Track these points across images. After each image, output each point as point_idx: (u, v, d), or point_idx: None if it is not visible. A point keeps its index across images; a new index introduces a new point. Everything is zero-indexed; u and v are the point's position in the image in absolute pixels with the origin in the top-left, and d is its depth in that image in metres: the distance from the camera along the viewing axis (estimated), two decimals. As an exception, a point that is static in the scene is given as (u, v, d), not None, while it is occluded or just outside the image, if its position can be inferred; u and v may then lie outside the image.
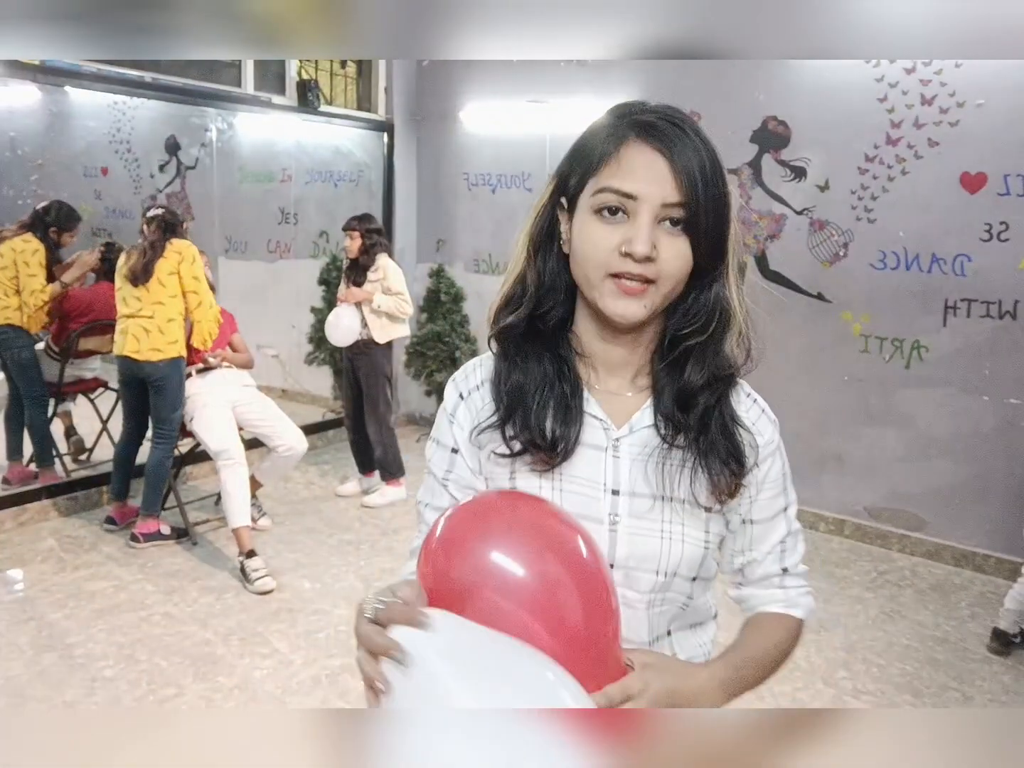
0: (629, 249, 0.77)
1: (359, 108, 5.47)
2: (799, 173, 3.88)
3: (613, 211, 0.79)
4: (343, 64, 5.64)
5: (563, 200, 0.85)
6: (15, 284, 3.64)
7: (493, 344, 0.92)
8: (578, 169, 0.83)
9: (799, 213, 3.91)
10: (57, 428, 4.15)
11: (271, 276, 5.64)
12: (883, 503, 3.83)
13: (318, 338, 5.47)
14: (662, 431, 0.87)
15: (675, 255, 0.79)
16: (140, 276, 3.32)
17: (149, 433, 3.57)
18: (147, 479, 3.51)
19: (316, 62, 5.49)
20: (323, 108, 5.02)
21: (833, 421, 3.90)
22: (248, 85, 4.68)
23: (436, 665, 0.63)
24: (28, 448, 3.95)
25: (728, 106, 4.02)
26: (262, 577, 3.17)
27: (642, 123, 0.80)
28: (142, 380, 3.41)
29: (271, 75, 4.89)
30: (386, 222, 5.27)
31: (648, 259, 0.78)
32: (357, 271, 4.01)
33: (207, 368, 3.59)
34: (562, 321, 0.89)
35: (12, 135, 4.85)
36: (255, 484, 3.62)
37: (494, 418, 0.88)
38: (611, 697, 0.71)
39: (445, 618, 0.67)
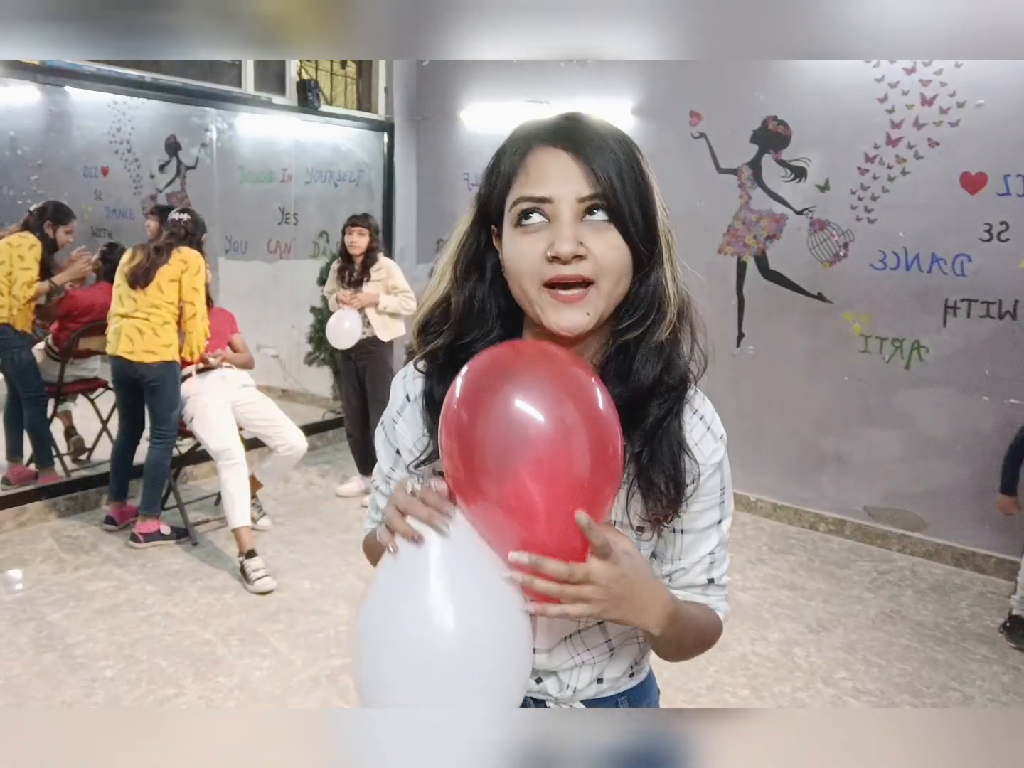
0: (554, 252, 0.75)
1: (359, 108, 5.47)
2: (799, 173, 3.88)
3: (533, 219, 0.78)
4: (343, 64, 5.65)
5: (492, 226, 0.84)
6: (10, 280, 3.64)
7: (421, 364, 0.90)
8: (495, 189, 0.82)
9: (799, 213, 3.91)
10: (57, 428, 4.16)
11: (271, 276, 5.64)
12: (883, 503, 3.83)
13: (318, 338, 5.46)
14: None
15: (607, 247, 0.77)
16: (140, 279, 3.31)
17: (147, 433, 3.57)
18: (145, 479, 3.51)
19: (316, 62, 5.49)
20: (323, 108, 5.02)
21: (833, 421, 3.90)
22: (248, 85, 4.68)
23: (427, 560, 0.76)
24: (28, 448, 3.95)
25: (728, 106, 4.02)
26: (262, 577, 3.17)
27: (542, 129, 0.80)
28: (136, 380, 3.41)
29: (271, 75, 4.89)
30: (386, 222, 5.28)
31: (578, 257, 0.76)
32: (358, 270, 3.99)
33: (207, 368, 3.60)
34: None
35: (12, 135, 4.85)
36: (255, 484, 3.62)
37: (431, 449, 0.86)
38: (598, 531, 0.71)
39: (455, 524, 0.76)
